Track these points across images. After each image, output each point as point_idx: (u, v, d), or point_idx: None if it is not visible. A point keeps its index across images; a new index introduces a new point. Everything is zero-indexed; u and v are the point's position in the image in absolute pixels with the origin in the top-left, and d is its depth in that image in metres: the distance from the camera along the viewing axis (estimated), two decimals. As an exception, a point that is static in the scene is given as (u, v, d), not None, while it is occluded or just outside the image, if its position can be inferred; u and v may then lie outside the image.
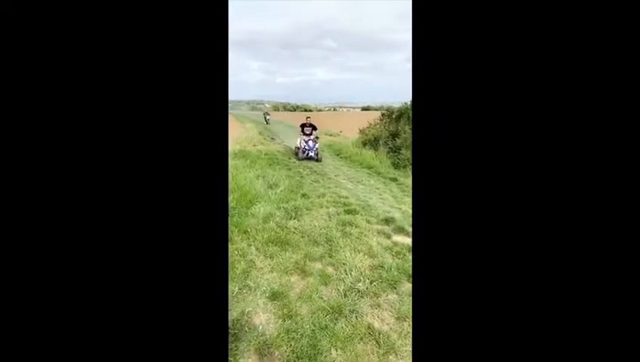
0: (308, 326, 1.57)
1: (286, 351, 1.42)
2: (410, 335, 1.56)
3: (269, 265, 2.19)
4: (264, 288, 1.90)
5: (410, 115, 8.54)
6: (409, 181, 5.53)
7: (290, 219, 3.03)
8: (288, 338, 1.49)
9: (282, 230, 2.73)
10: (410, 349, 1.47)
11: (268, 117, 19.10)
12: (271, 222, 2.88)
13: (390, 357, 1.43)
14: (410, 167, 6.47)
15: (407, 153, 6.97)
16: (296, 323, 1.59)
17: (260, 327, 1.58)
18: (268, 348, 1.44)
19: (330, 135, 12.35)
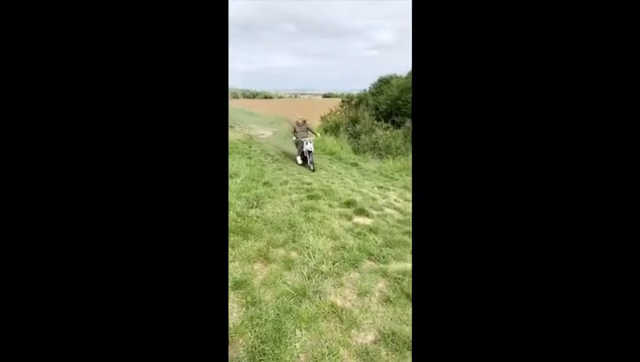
0: (272, 312, 1.57)
1: (250, 338, 1.41)
2: (371, 309, 1.64)
3: (231, 254, 2.13)
4: (226, 278, 1.86)
5: (369, 102, 8.74)
6: (369, 165, 5.70)
7: (252, 207, 2.97)
8: (252, 324, 1.49)
9: (243, 219, 2.66)
10: (371, 322, 1.55)
11: (307, 143, 5.25)
12: (231, 212, 2.79)
13: (352, 331, 1.50)
14: (370, 152, 6.67)
15: (366, 138, 7.15)
16: (260, 310, 1.59)
17: (223, 317, 1.55)
18: (231, 336, 1.42)
19: (292, 122, 12.17)
